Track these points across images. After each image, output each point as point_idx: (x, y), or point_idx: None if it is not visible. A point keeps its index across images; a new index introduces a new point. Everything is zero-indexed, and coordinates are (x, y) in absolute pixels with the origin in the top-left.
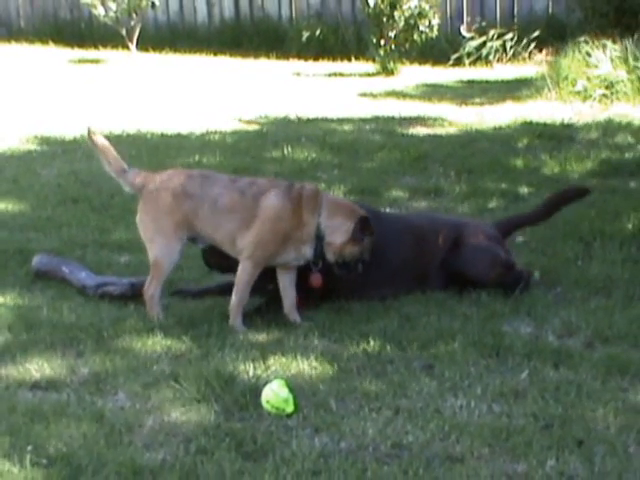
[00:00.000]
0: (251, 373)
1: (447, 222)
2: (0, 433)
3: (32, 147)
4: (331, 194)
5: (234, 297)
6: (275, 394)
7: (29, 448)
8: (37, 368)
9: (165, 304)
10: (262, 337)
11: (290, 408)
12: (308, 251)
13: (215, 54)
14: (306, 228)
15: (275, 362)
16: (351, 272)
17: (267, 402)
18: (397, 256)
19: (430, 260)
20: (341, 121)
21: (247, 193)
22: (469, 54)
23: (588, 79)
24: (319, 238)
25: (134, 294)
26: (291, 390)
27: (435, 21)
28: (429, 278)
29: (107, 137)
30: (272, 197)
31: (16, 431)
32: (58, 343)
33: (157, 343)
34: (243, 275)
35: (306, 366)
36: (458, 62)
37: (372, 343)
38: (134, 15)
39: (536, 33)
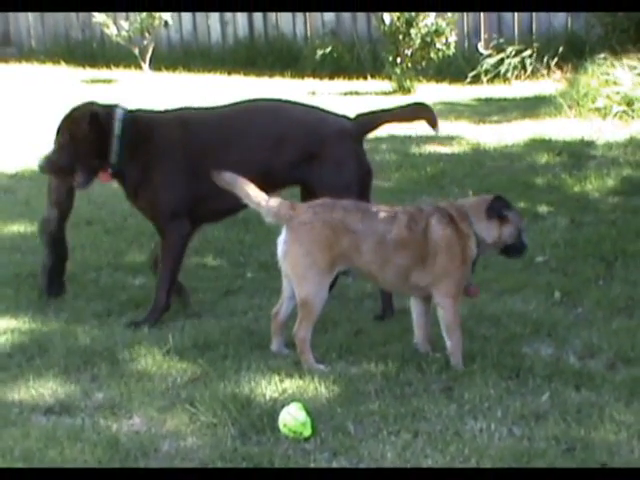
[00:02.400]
0: (268, 396)
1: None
2: (14, 459)
3: None
4: (463, 199)
5: (449, 341)
6: (292, 417)
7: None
8: (51, 392)
9: (180, 326)
10: (279, 360)
11: (307, 431)
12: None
13: (229, 73)
14: (470, 241)
15: (292, 385)
16: (522, 251)
17: (284, 426)
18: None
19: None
20: None
21: (413, 227)
22: (486, 71)
23: (608, 96)
24: (480, 245)
25: None
26: (308, 413)
27: (452, 38)
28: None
29: None
30: (438, 227)
31: (30, 457)
32: (72, 367)
33: (172, 366)
34: (449, 316)
35: (323, 389)
36: (475, 80)
37: (390, 365)
38: (147, 34)
39: (556, 50)
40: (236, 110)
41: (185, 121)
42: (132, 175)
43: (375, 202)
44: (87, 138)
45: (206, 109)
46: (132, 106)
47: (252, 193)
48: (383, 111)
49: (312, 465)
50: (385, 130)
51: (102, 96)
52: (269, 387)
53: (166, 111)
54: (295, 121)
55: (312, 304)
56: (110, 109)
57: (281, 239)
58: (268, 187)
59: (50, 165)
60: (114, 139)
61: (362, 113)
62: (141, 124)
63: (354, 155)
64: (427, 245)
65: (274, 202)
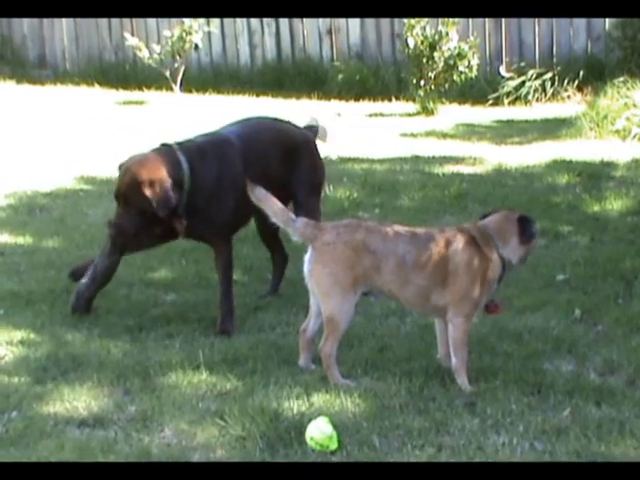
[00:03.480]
0: (295, 410)
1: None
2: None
3: (79, 187)
4: (484, 220)
5: (455, 359)
6: (319, 431)
7: None
8: (85, 406)
9: (210, 342)
10: (306, 375)
11: (334, 445)
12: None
13: (257, 95)
14: (493, 264)
15: (319, 399)
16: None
17: (311, 439)
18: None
19: None
20: (382, 161)
21: (433, 249)
22: (508, 94)
23: (628, 118)
24: (506, 267)
25: None
26: (335, 427)
27: (474, 61)
28: None
29: None
30: (458, 250)
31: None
32: (105, 381)
33: (202, 381)
34: (458, 334)
35: (349, 403)
36: (497, 102)
37: (414, 380)
38: (178, 57)
39: (576, 73)
40: (250, 133)
41: (224, 154)
42: (192, 213)
43: (400, 221)
44: (150, 208)
45: (223, 139)
46: (163, 126)
47: (280, 212)
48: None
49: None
50: (409, 150)
51: (134, 117)
52: (296, 401)
53: (206, 143)
54: (289, 135)
55: (337, 321)
56: (176, 164)
57: (307, 258)
58: (283, 198)
59: (119, 232)
60: (184, 194)
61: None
62: (203, 158)
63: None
64: (447, 267)
65: (300, 222)
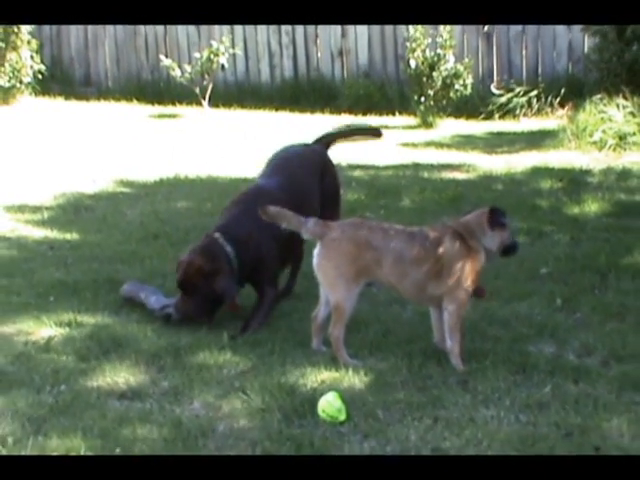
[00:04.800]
0: (309, 386)
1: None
2: (93, 436)
3: (119, 190)
4: (465, 217)
5: (450, 342)
6: (330, 404)
7: (117, 450)
8: (124, 381)
9: (234, 326)
10: (318, 356)
11: (343, 417)
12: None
13: (277, 109)
14: (479, 255)
15: (329, 377)
16: (516, 248)
17: (323, 411)
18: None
19: None
20: (386, 167)
21: (427, 245)
22: (498, 109)
23: (603, 131)
24: (488, 255)
25: None
26: (343, 401)
27: (469, 80)
28: None
29: (183, 181)
30: (448, 243)
31: (106, 435)
32: (142, 359)
33: (227, 360)
34: (453, 319)
35: (357, 380)
36: (489, 116)
37: (414, 361)
38: (206, 76)
39: (559, 91)
40: (288, 175)
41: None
42: (245, 270)
43: (402, 221)
44: (210, 290)
45: (265, 189)
46: (193, 137)
47: (291, 218)
48: (330, 134)
49: (346, 445)
50: (411, 159)
51: (168, 129)
52: (310, 378)
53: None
54: (316, 158)
55: (342, 308)
56: (225, 254)
57: (315, 252)
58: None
59: (184, 317)
60: (235, 273)
61: (318, 138)
62: (243, 240)
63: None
64: (441, 261)
65: (311, 222)
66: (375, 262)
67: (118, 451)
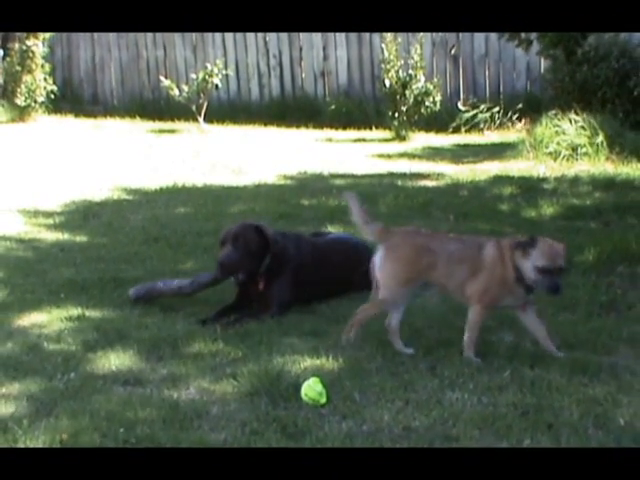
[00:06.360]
0: (293, 372)
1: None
2: (99, 418)
3: (123, 197)
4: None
5: (467, 334)
6: (312, 389)
7: (121, 430)
8: (127, 369)
9: (226, 321)
10: (301, 345)
11: (323, 400)
12: (521, 292)
13: (265, 125)
14: (506, 272)
15: (312, 364)
16: (555, 287)
17: (305, 395)
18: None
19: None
20: (364, 176)
21: (473, 248)
22: (465, 123)
23: (558, 143)
24: (520, 279)
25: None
26: (324, 386)
27: (438, 98)
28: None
29: (181, 189)
30: (489, 249)
31: (112, 417)
32: (143, 349)
33: (220, 350)
34: (474, 316)
35: (336, 367)
36: (456, 130)
37: (388, 349)
38: (202, 95)
39: (518, 107)
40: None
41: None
42: (266, 280)
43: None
44: (254, 246)
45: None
46: (190, 150)
47: (359, 214)
48: None
49: (326, 425)
50: (386, 168)
51: (168, 142)
52: (294, 366)
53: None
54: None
55: (385, 303)
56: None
57: (377, 255)
58: None
59: (226, 266)
60: (269, 254)
61: None
62: (283, 246)
63: None
64: (477, 263)
65: (375, 226)
66: (431, 265)
67: (122, 431)
